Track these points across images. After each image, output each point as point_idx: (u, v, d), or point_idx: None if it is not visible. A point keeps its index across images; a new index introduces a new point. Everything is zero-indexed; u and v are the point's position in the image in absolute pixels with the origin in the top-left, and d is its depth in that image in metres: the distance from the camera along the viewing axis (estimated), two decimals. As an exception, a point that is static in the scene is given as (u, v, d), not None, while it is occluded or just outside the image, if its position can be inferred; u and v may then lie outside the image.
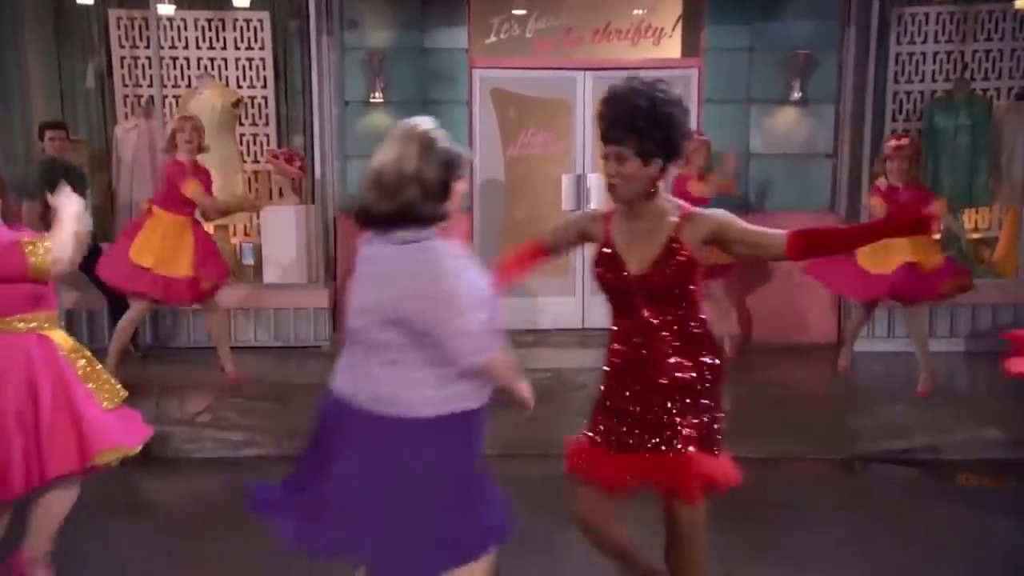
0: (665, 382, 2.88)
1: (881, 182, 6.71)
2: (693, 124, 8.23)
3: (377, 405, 2.66)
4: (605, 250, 2.99)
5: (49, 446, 3.27)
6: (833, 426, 6.02)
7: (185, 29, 8.65)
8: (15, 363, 3.30)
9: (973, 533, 4.51)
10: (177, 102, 8.52)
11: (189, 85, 8.62)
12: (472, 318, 2.57)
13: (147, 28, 8.34)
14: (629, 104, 2.85)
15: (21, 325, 3.33)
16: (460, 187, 2.68)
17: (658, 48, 8.79)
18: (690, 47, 8.63)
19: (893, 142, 6.80)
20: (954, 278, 6.67)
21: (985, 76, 8.55)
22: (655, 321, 2.90)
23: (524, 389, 2.84)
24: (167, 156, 6.57)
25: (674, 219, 2.91)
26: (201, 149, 6.53)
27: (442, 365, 2.62)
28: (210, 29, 8.67)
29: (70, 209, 3.34)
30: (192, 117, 6.71)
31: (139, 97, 8.61)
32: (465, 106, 8.41)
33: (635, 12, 8.78)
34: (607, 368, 3.04)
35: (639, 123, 2.83)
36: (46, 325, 3.42)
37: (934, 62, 8.59)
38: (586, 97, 8.59)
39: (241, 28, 8.67)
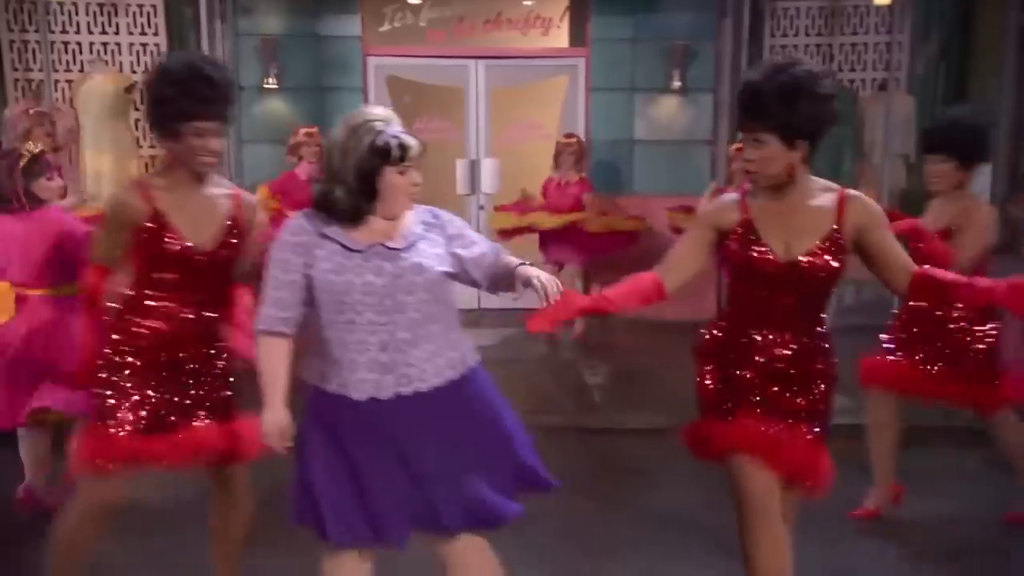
0: None
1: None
2: (580, 115, 8.50)
3: None
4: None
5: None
6: (695, 398, 6.19)
7: (76, 13, 8.48)
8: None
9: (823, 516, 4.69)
10: (70, 86, 8.39)
11: (82, 70, 8.48)
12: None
13: (36, 11, 8.21)
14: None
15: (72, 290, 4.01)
16: None
17: (547, 38, 8.93)
18: (577, 37, 8.83)
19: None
20: None
21: (852, 68, 8.86)
22: None
23: (268, 414, 2.72)
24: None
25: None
26: (58, 147, 6.53)
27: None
28: (102, 14, 8.52)
29: None
30: (47, 111, 6.67)
31: (30, 81, 8.46)
32: (360, 93, 8.51)
33: (525, 3, 8.94)
34: None
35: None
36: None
37: (805, 54, 8.75)
38: (479, 84, 8.82)
39: (134, 13, 8.55)
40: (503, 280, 2.77)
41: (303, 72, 8.47)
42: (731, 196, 2.96)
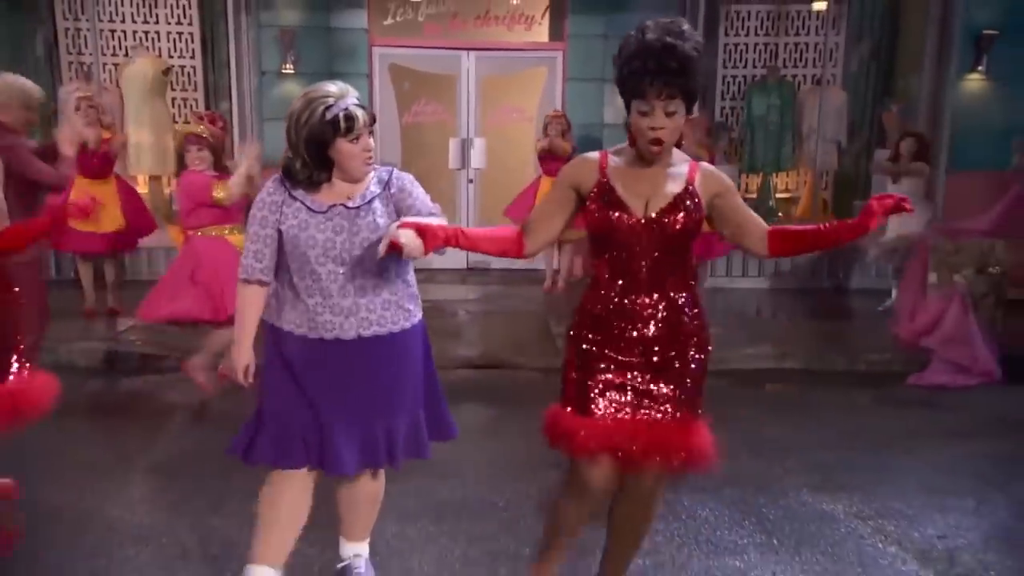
0: None
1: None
2: (558, 102, 8.84)
3: None
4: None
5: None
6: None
7: (122, 4, 8.76)
8: (215, 253, 4.91)
9: (741, 423, 5.11)
10: (116, 69, 8.69)
11: (126, 54, 8.76)
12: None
13: (87, 2, 8.50)
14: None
15: (214, 232, 4.95)
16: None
17: (529, 33, 9.13)
18: (556, 32, 9.08)
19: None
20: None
21: (794, 64, 9.26)
22: None
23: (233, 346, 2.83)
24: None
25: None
26: (103, 124, 6.81)
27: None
28: (144, 5, 8.80)
29: (243, 167, 4.79)
30: (88, 95, 6.91)
31: (81, 64, 8.72)
32: (366, 79, 8.75)
33: (511, 1, 9.07)
34: None
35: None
36: (228, 232, 4.99)
37: (754, 52, 9.23)
38: (470, 73, 9.07)
39: (172, 5, 8.82)
40: None
41: (316, 59, 8.54)
42: (591, 156, 2.69)
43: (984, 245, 6.31)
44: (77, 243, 6.87)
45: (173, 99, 8.97)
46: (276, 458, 2.79)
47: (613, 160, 2.62)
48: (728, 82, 9.30)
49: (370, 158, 2.71)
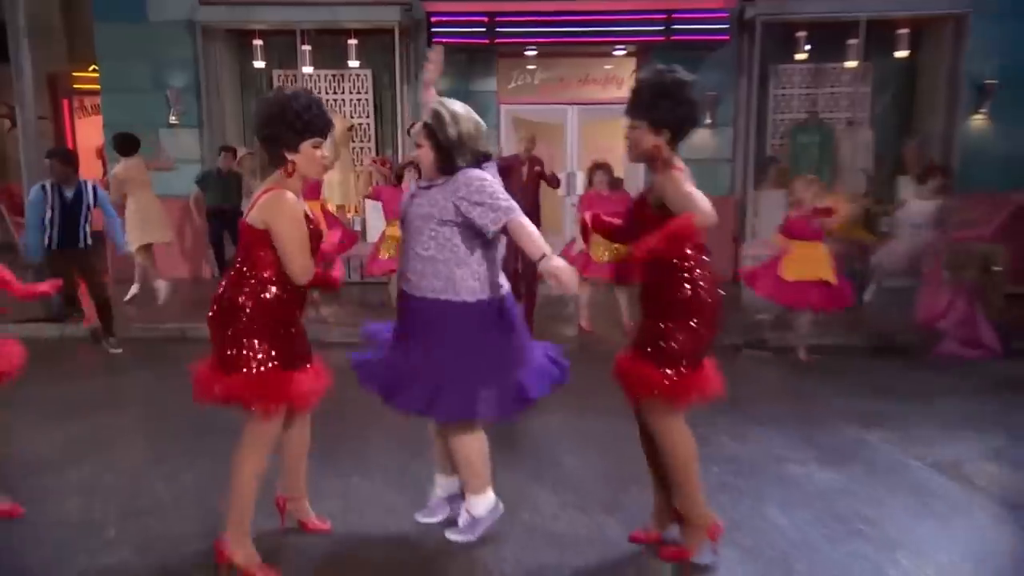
0: None
1: None
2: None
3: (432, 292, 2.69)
4: None
5: None
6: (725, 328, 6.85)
7: (320, 81, 9.51)
8: None
9: (802, 382, 5.52)
10: None
11: None
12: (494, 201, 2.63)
13: (296, 81, 9.23)
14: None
15: None
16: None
17: (619, 91, 9.29)
18: None
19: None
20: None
21: (831, 111, 9.40)
22: None
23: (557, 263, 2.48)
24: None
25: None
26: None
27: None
28: (335, 81, 9.53)
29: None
30: None
31: None
32: (495, 129, 9.20)
33: (605, 67, 9.44)
34: None
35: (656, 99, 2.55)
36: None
37: (798, 100, 9.44)
38: (573, 122, 9.38)
39: (353, 79, 9.51)
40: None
41: (459, 116, 9.19)
42: None
43: (987, 248, 6.40)
44: None
45: (354, 148, 9.59)
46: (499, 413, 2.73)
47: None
48: (777, 124, 9.46)
49: None
